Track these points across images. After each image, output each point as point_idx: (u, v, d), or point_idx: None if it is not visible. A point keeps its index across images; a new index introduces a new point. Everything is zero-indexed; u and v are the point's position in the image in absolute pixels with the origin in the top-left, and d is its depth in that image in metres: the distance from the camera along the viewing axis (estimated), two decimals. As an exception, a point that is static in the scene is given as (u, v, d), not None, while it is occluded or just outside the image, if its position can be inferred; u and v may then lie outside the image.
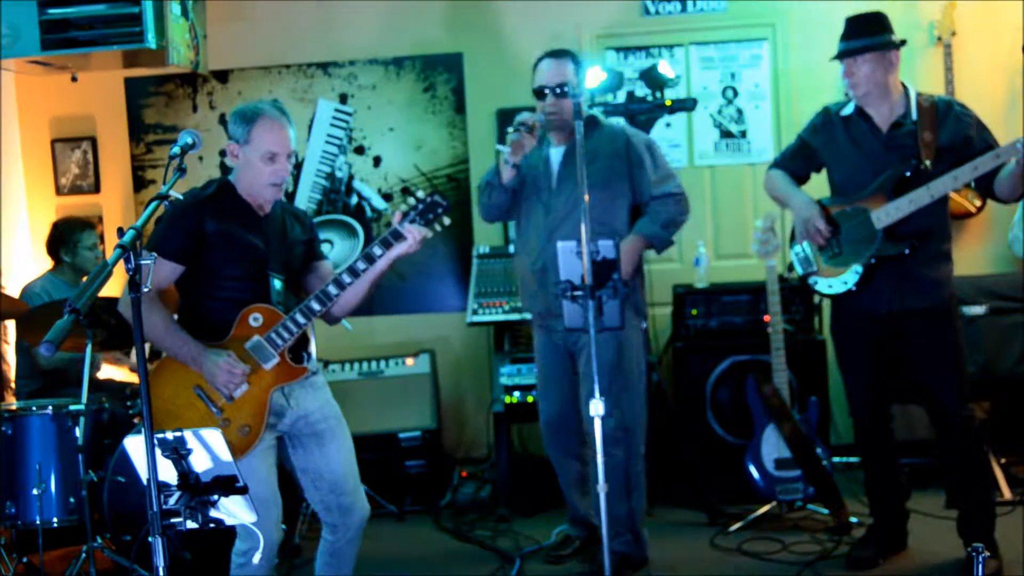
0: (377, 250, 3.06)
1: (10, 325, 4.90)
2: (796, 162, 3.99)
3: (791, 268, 4.02)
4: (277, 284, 3.14)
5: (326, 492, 3.19)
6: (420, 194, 3.13)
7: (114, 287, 5.29)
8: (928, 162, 3.62)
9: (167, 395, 3.02)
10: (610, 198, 3.88)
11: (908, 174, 3.64)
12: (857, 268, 3.75)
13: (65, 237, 4.84)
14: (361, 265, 3.04)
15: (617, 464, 3.87)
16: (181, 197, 2.39)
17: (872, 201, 3.70)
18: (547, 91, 3.88)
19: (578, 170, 3.22)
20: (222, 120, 5.75)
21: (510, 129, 3.82)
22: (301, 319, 3.04)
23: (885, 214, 3.66)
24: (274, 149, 3.05)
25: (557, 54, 3.96)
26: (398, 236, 3.06)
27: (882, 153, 3.72)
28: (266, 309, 3.07)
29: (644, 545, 4.00)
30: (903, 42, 3.73)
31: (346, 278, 3.04)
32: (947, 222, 3.79)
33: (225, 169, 5.78)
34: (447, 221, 3.13)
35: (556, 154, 4.01)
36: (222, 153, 5.75)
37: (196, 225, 3.02)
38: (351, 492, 3.20)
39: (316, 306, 3.04)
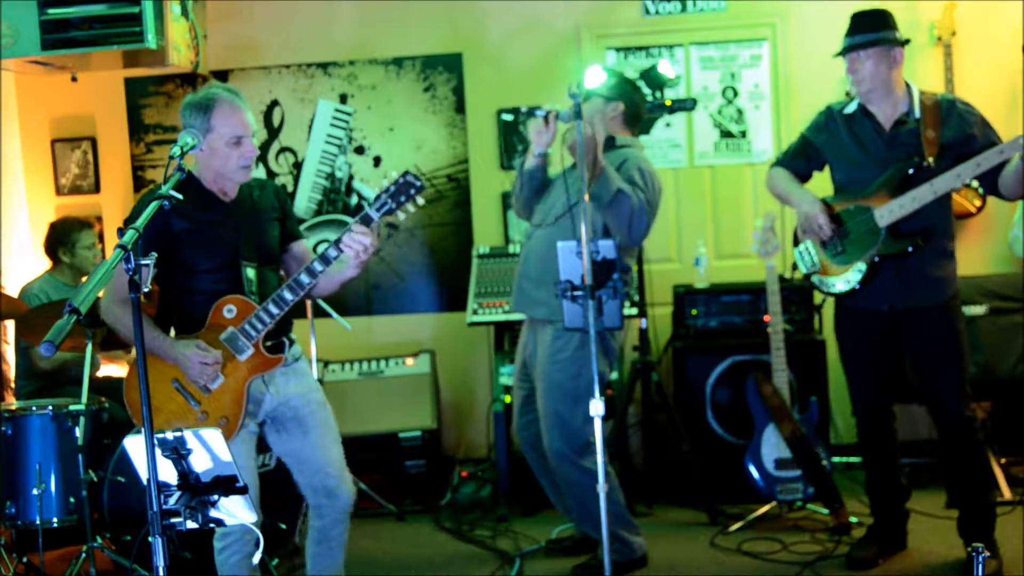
0: (336, 246, 3.02)
1: (9, 325, 4.90)
2: (799, 160, 3.98)
3: (795, 267, 4.02)
4: (250, 273, 3.12)
5: (310, 475, 3.21)
6: (393, 174, 3.10)
7: (114, 287, 5.29)
8: (931, 159, 3.62)
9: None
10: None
11: (911, 172, 3.64)
12: (861, 266, 3.75)
13: (63, 237, 4.83)
14: (332, 253, 3.01)
15: (572, 484, 3.89)
16: (181, 197, 2.38)
17: (875, 199, 3.70)
18: None
19: (579, 169, 3.20)
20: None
21: (538, 113, 3.79)
22: (274, 309, 3.04)
23: (888, 212, 3.66)
24: (239, 132, 3.04)
25: (604, 68, 4.08)
26: (367, 220, 3.02)
27: (885, 151, 3.72)
28: (239, 300, 3.06)
29: (631, 546, 3.98)
30: (907, 41, 3.73)
31: (317, 266, 3.02)
32: (951, 220, 3.79)
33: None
34: (421, 202, 3.08)
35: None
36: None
37: (162, 225, 2.99)
38: (336, 475, 3.22)
39: (289, 295, 3.03)
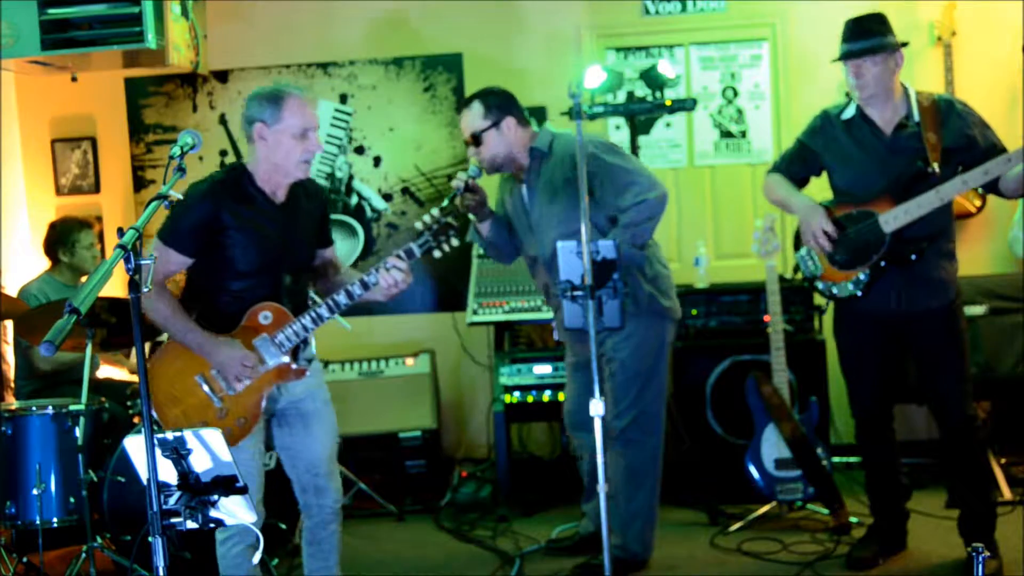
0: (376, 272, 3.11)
1: (9, 325, 4.90)
2: (795, 166, 3.97)
3: (796, 270, 4.02)
4: (286, 279, 3.15)
5: (302, 471, 3.23)
6: (435, 212, 3.16)
7: (114, 287, 5.30)
8: (936, 164, 3.61)
9: (169, 378, 3.03)
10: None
11: (914, 176, 3.63)
12: (865, 271, 3.74)
13: (62, 237, 4.83)
14: (372, 279, 3.08)
15: (624, 462, 3.89)
16: (181, 197, 2.38)
17: (879, 204, 3.69)
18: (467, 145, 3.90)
19: (579, 170, 3.19)
20: (222, 120, 5.75)
21: (455, 196, 3.70)
22: (310, 324, 3.07)
23: (893, 218, 3.64)
24: (307, 125, 3.06)
25: (466, 102, 3.90)
26: (410, 254, 3.11)
27: (887, 155, 3.70)
28: (276, 308, 3.08)
29: (644, 547, 3.98)
30: (906, 43, 3.73)
31: (356, 290, 3.08)
32: (952, 221, 3.78)
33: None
34: (456, 243, 3.18)
35: (525, 192, 3.97)
36: (223, 153, 5.76)
37: (211, 216, 3.00)
38: (326, 475, 3.24)
39: (326, 313, 3.08)
